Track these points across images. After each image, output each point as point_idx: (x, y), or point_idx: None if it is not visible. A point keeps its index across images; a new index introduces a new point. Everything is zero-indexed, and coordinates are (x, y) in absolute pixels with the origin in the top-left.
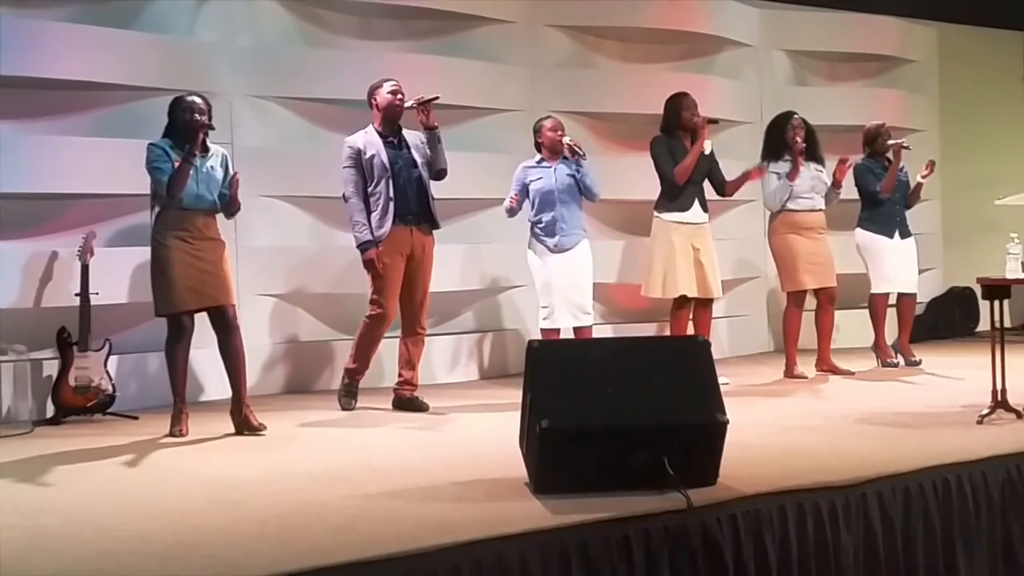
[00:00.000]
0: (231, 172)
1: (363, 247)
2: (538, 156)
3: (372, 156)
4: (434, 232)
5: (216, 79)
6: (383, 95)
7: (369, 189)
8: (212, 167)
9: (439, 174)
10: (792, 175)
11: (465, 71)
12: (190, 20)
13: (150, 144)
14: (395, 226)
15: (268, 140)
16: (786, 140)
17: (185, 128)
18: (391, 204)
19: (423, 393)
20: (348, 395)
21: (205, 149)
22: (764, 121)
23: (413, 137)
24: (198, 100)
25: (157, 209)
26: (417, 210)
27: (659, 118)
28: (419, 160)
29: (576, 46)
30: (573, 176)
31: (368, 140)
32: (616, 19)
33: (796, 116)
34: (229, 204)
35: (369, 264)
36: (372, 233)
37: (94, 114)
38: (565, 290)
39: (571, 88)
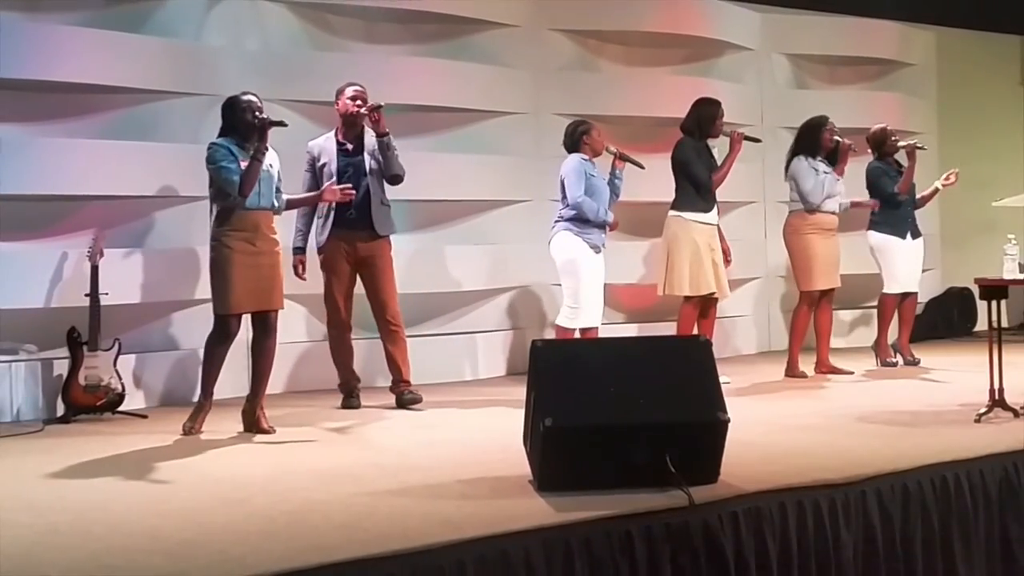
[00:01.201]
0: (279, 172)
1: (293, 251)
2: (583, 155)
3: (323, 164)
4: (442, 230)
5: (224, 82)
6: (343, 101)
7: None
8: (270, 165)
9: (393, 179)
10: (840, 171)
11: (469, 74)
12: (199, 24)
13: (212, 143)
14: (338, 232)
15: (276, 142)
16: (823, 142)
17: (248, 127)
18: (332, 213)
19: (427, 391)
20: (350, 397)
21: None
22: (764, 124)
23: (372, 140)
24: (255, 99)
25: (216, 209)
26: (359, 217)
27: (661, 120)
28: (372, 166)
29: (579, 50)
30: (614, 180)
31: (324, 147)
32: (618, 23)
33: (830, 120)
34: (283, 205)
35: (293, 269)
36: (306, 239)
37: (104, 117)
38: (597, 292)
39: (574, 91)
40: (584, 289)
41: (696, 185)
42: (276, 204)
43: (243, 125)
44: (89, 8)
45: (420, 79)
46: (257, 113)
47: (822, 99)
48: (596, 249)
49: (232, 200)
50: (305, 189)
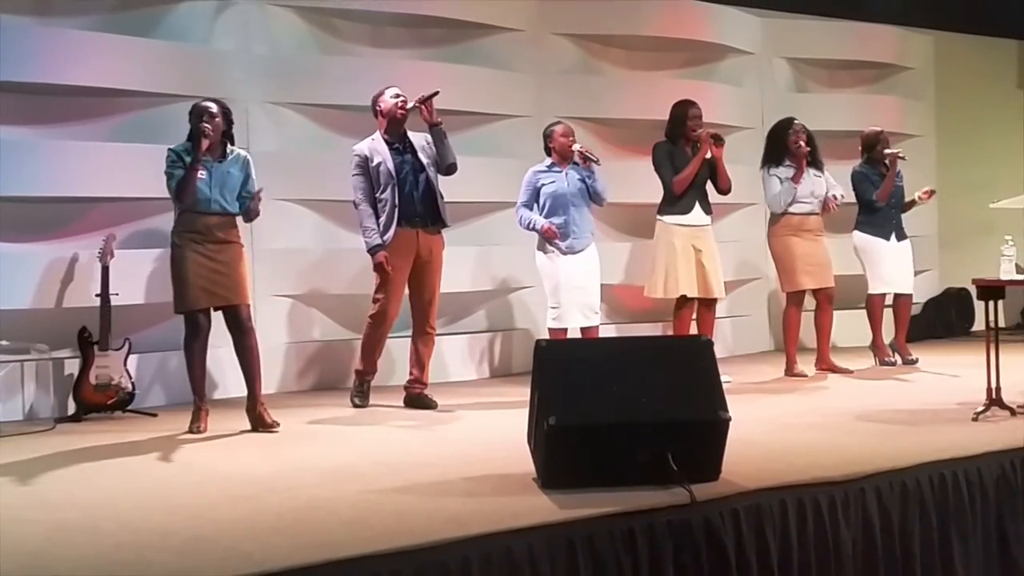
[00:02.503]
0: (252, 176)
1: (373, 251)
2: (548, 160)
3: (379, 164)
4: (444, 234)
5: (233, 86)
6: (386, 101)
7: (377, 195)
8: (228, 171)
9: (448, 169)
10: (796, 178)
11: (474, 78)
12: (207, 29)
13: (168, 148)
14: (401, 229)
15: (283, 145)
16: (788, 145)
17: (192, 132)
18: (396, 210)
19: (434, 391)
20: (360, 395)
21: (224, 154)
22: (765, 127)
23: (419, 139)
24: (209, 105)
25: (177, 211)
26: (423, 212)
27: (663, 124)
28: (426, 162)
29: (582, 54)
30: (583, 180)
31: (374, 147)
32: (621, 27)
33: (797, 122)
34: (248, 211)
35: (379, 267)
36: (380, 237)
37: (115, 120)
38: (575, 291)
39: (577, 94)
40: (560, 289)
41: (663, 187)
42: (230, 209)
43: (194, 132)
44: (99, 12)
45: (426, 83)
46: (202, 121)
47: (822, 102)
48: (571, 251)
49: (179, 205)
50: (360, 192)
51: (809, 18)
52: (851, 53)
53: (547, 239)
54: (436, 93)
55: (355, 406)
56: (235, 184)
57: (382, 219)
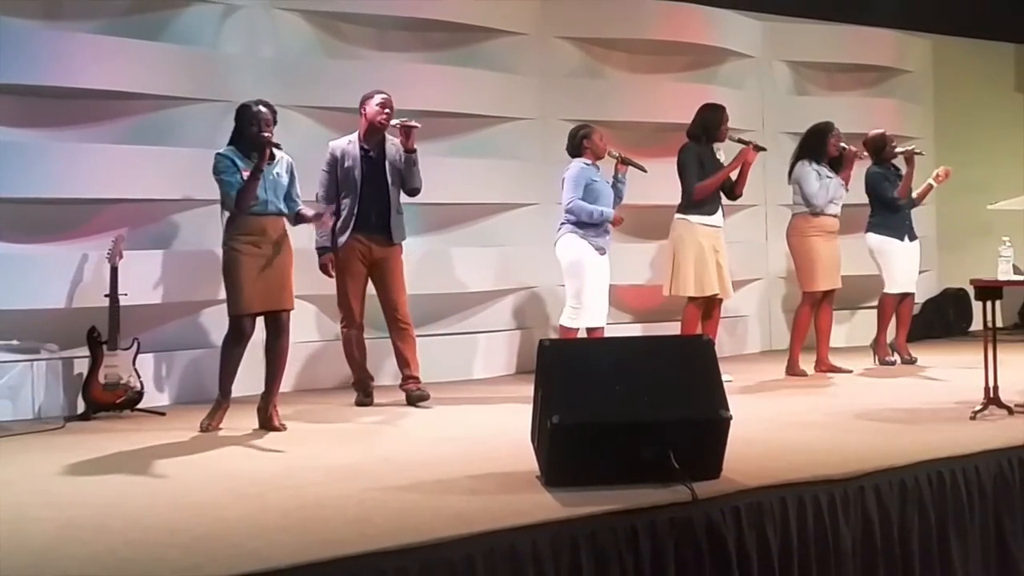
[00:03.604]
0: (295, 178)
1: (320, 251)
2: (586, 160)
3: (348, 168)
4: (446, 235)
5: (240, 89)
6: (371, 107)
7: (340, 196)
8: (278, 173)
9: (412, 192)
10: (845, 176)
11: (478, 81)
12: (215, 32)
13: (218, 153)
14: (356, 235)
15: (290, 147)
16: (828, 146)
17: (252, 140)
18: (353, 218)
19: (437, 389)
20: (364, 394)
21: (272, 157)
22: (766, 129)
23: (393, 148)
24: (264, 111)
25: (227, 215)
26: (379, 226)
27: (665, 126)
28: (390, 178)
29: (585, 57)
30: (617, 183)
31: (348, 150)
32: (623, 31)
33: (836, 128)
34: (298, 215)
35: (323, 268)
36: (333, 239)
37: (124, 122)
38: (598, 295)
39: (580, 97)
40: (587, 290)
41: (683, 189)
42: (284, 209)
43: (248, 136)
44: (108, 16)
45: (430, 86)
46: (264, 130)
47: (822, 105)
48: (601, 251)
49: (237, 212)
50: (322, 188)
51: (809, 22)
52: (850, 56)
53: (613, 226)
54: (417, 127)
55: (361, 405)
56: (284, 186)
57: (340, 223)
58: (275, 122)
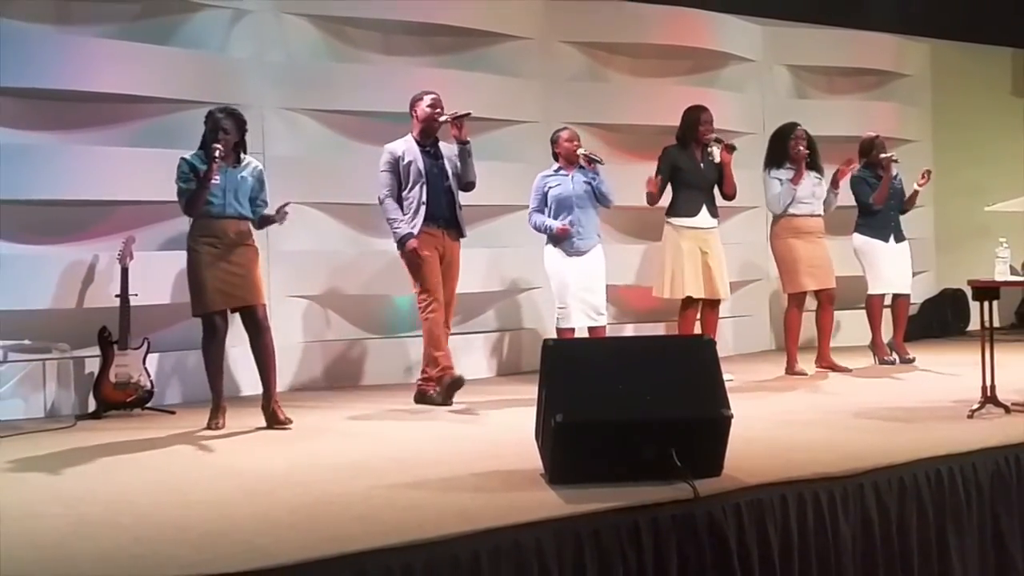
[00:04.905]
0: (264, 184)
1: (402, 240)
2: (555, 165)
3: (410, 162)
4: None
5: (248, 92)
6: (423, 108)
7: (404, 192)
8: (243, 177)
9: (467, 186)
10: (795, 180)
11: (483, 85)
12: (224, 36)
13: (181, 158)
14: (428, 227)
15: (297, 150)
16: (788, 149)
17: (204, 146)
18: (423, 208)
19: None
20: (451, 384)
21: (238, 160)
22: (766, 132)
23: (447, 149)
24: (221, 117)
25: (193, 217)
26: (447, 216)
27: (667, 129)
28: (450, 171)
29: (589, 61)
30: (589, 183)
31: (407, 147)
32: (627, 36)
33: (799, 127)
34: (262, 219)
35: (412, 254)
36: (412, 223)
37: (134, 125)
38: (580, 292)
39: (584, 101)
40: (566, 292)
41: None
42: (245, 213)
43: (207, 141)
44: (118, 21)
45: (436, 89)
46: (219, 135)
47: (821, 109)
48: (577, 253)
49: (187, 215)
50: (387, 188)
51: (809, 26)
52: (850, 60)
53: (559, 239)
54: (468, 114)
55: (449, 393)
56: (248, 190)
57: (407, 216)
58: (243, 130)
